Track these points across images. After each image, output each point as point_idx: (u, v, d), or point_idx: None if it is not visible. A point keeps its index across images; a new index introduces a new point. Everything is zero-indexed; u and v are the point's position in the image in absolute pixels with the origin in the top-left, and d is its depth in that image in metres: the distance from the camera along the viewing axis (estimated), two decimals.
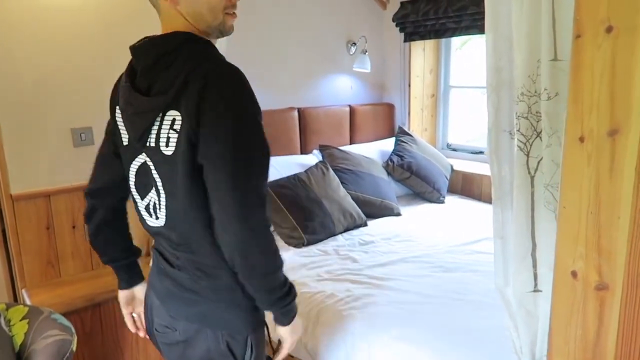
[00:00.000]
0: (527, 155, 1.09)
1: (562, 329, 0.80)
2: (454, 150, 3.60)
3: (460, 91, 3.60)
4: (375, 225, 2.57)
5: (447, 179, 3.12)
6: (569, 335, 0.79)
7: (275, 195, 2.39)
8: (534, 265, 1.10)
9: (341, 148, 3.01)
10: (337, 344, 1.61)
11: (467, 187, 3.13)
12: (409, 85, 3.45)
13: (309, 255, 2.16)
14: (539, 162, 1.09)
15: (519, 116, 1.09)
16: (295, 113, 3.08)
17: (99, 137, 2.44)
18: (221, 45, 2.18)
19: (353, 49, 3.39)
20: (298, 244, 2.28)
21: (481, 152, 3.42)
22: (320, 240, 2.32)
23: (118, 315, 2.34)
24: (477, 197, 3.12)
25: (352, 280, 1.89)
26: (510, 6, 1.11)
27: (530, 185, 1.09)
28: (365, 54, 3.31)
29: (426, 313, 1.62)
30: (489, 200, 3.02)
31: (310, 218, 2.33)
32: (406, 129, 3.39)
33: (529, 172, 1.09)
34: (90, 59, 2.37)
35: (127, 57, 2.54)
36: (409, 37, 3.35)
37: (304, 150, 3.13)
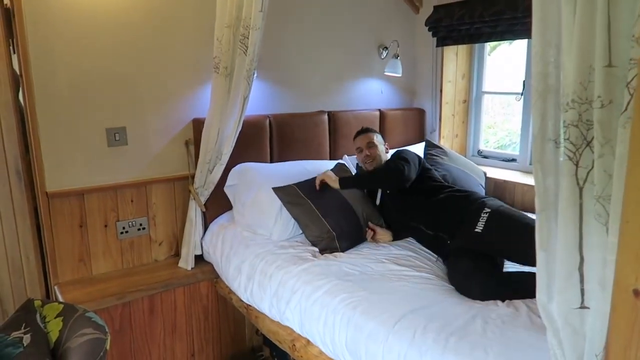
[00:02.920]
0: (577, 166, 1.04)
1: (621, 351, 0.76)
2: (485, 157, 3.53)
3: (492, 97, 3.53)
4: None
5: (483, 187, 3.05)
6: (629, 357, 0.75)
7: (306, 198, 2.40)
8: (581, 281, 1.05)
9: None
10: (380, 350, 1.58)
11: (499, 195, 3.05)
12: (441, 91, 3.40)
13: (348, 263, 2.10)
14: (588, 173, 1.04)
15: (568, 124, 1.05)
16: (325, 117, 3.07)
17: (133, 137, 2.49)
18: (255, 46, 2.19)
19: (384, 53, 3.36)
20: (330, 249, 2.25)
21: (514, 160, 3.35)
22: (354, 246, 2.29)
23: (147, 313, 2.37)
24: (510, 206, 3.03)
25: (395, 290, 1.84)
26: (560, 10, 1.07)
27: (579, 196, 1.05)
28: (396, 58, 3.27)
29: (472, 324, 1.56)
30: (522, 209, 2.95)
31: (339, 220, 2.32)
32: (434, 141, 3.34)
33: (578, 183, 1.05)
34: (125, 61, 2.40)
35: (160, 61, 2.58)
36: (442, 41, 3.30)
37: (333, 155, 3.11)
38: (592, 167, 1.03)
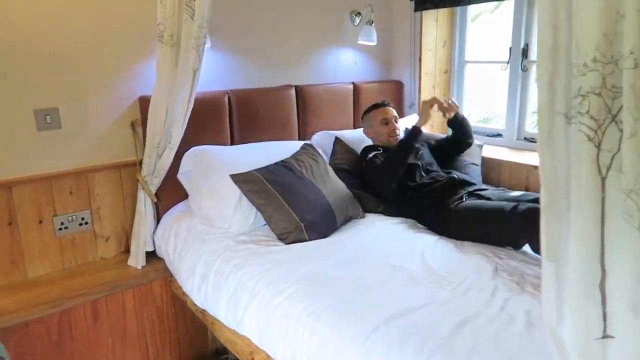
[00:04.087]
0: (598, 148, 0.78)
1: None
2: None
3: (475, 67, 3.25)
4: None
5: (478, 165, 2.76)
6: None
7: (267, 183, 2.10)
8: (603, 302, 0.79)
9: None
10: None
11: (485, 174, 2.79)
12: (420, 60, 3.11)
13: (316, 259, 1.82)
14: (613, 157, 0.77)
15: (587, 92, 0.78)
16: (293, 91, 2.75)
17: (68, 119, 2.15)
18: (203, 10, 1.87)
19: (357, 20, 3.04)
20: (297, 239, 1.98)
21: (499, 135, 3.09)
22: (325, 237, 2.01)
23: (90, 320, 2.08)
24: (495, 185, 2.79)
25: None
26: None
27: (601, 189, 0.78)
28: (371, 24, 2.95)
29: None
30: (510, 188, 2.71)
31: (308, 209, 2.03)
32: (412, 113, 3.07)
33: (600, 172, 0.78)
34: (54, 30, 2.05)
35: (99, 29, 2.22)
36: (421, 5, 2.99)
37: (303, 135, 2.81)
38: (619, 149, 0.77)
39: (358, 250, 1.87)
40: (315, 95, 2.83)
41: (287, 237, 1.95)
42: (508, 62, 2.91)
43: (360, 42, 2.99)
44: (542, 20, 0.83)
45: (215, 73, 2.52)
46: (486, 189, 2.32)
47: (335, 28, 2.99)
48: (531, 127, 2.96)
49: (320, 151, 2.65)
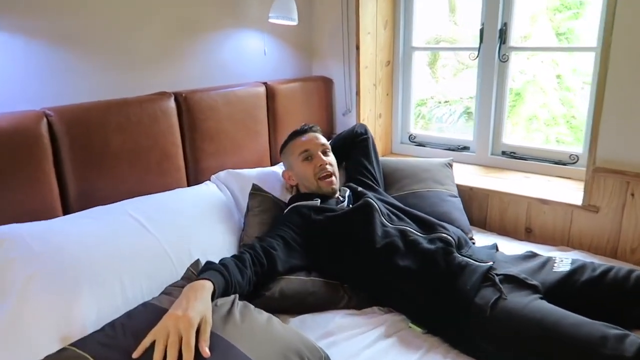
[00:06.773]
0: None
1: None
2: (420, 145, 2.42)
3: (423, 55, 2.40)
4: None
5: (456, 195, 1.91)
6: None
7: None
8: None
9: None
10: None
11: (465, 211, 1.96)
12: (357, 48, 2.17)
13: None
14: None
15: None
16: (172, 103, 1.66)
17: None
18: None
19: None
20: None
21: (465, 148, 2.29)
22: None
23: None
24: (480, 227, 1.97)
25: None
26: None
27: None
28: None
29: None
30: (500, 232, 1.92)
31: None
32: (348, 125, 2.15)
33: None
34: None
35: None
36: None
37: (195, 175, 1.74)
38: None
39: None
40: (209, 107, 1.76)
41: None
42: (479, 50, 2.10)
43: (272, 20, 1.96)
44: None
45: (18, 79, 1.36)
46: (493, 252, 1.48)
47: (234, 1, 1.93)
48: (511, 137, 2.20)
49: (228, 196, 1.63)
